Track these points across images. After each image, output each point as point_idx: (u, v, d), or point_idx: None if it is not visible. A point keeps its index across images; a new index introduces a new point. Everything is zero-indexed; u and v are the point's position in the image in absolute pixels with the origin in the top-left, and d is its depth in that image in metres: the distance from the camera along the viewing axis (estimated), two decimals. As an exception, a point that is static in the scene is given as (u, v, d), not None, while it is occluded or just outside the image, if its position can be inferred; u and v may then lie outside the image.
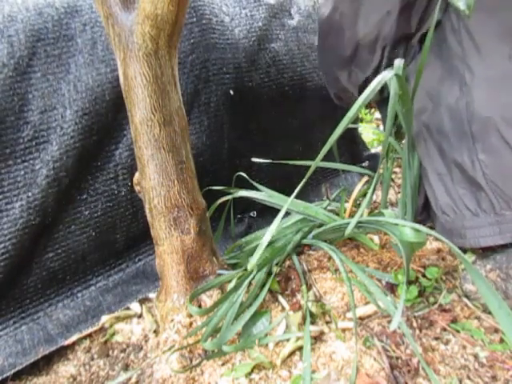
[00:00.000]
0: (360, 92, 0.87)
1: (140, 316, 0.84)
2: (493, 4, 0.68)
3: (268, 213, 1.12)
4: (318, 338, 0.69)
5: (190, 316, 0.74)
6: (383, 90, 0.90)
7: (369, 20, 0.82)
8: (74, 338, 0.80)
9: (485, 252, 0.74)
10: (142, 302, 0.88)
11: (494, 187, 0.68)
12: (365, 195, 1.02)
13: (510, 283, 0.68)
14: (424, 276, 0.77)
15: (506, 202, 0.68)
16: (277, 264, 0.83)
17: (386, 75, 0.67)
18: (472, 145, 0.70)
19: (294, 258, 0.86)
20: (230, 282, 0.77)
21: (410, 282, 0.75)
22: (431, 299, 0.73)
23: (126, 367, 0.73)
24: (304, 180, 0.66)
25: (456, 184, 0.74)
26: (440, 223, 0.78)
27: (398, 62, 0.71)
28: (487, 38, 0.69)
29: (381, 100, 0.95)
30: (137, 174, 0.78)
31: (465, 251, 0.77)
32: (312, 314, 0.72)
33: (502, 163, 0.67)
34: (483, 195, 0.70)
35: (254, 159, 0.94)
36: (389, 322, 0.69)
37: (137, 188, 0.80)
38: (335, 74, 0.96)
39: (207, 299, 0.76)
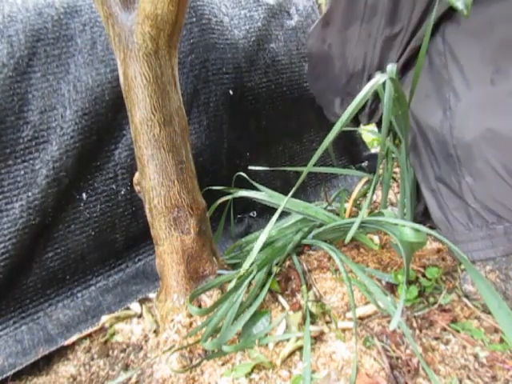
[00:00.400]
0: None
1: (140, 316, 0.84)
2: (476, 28, 0.69)
3: (268, 213, 1.12)
4: (318, 338, 0.69)
5: (190, 316, 0.74)
6: (374, 112, 0.92)
7: (354, 53, 0.86)
8: (74, 338, 0.80)
9: None
10: (142, 301, 0.88)
11: (484, 205, 0.69)
12: (365, 195, 1.02)
13: (509, 284, 0.68)
14: (424, 276, 0.77)
15: (497, 216, 0.68)
16: (277, 264, 0.83)
17: (379, 79, 0.68)
18: (458, 168, 0.72)
19: (294, 257, 0.86)
20: (230, 282, 0.77)
21: (409, 282, 0.75)
22: (431, 299, 0.73)
23: (126, 367, 0.73)
24: (298, 182, 0.66)
25: (446, 200, 0.75)
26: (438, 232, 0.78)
27: (391, 67, 0.72)
28: (471, 62, 0.70)
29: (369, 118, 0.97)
30: (137, 174, 0.78)
31: None
32: (312, 314, 0.72)
33: (488, 186, 0.68)
34: (473, 212, 0.71)
35: (251, 167, 0.95)
36: (389, 321, 0.69)
37: (137, 188, 0.80)
38: (328, 99, 1.00)
39: (207, 299, 0.76)
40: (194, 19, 0.98)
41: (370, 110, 0.93)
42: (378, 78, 0.68)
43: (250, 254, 0.64)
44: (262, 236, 0.64)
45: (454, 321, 0.69)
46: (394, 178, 1.17)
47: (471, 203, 0.71)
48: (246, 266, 0.64)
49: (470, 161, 0.70)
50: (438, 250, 0.85)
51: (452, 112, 0.71)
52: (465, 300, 0.73)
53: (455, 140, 0.71)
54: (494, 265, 0.71)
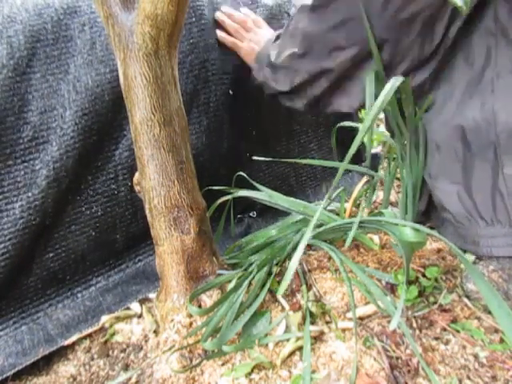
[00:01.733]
0: None
1: (140, 316, 0.84)
2: None
3: (268, 213, 1.12)
4: (318, 338, 0.69)
5: (190, 316, 0.74)
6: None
7: None
8: (74, 338, 0.80)
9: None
10: (142, 302, 0.88)
11: None
12: (365, 195, 1.02)
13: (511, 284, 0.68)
14: (424, 276, 0.77)
15: None
16: (277, 264, 0.83)
17: (395, 81, 0.66)
18: (498, 157, 0.68)
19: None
20: (230, 282, 0.77)
21: (410, 282, 0.75)
22: (431, 299, 0.73)
23: (126, 367, 0.73)
24: (330, 190, 0.64)
25: (474, 193, 0.72)
26: (453, 228, 0.77)
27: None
28: None
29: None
30: (137, 174, 0.78)
31: (464, 251, 0.77)
32: (312, 314, 0.72)
33: None
34: (501, 206, 0.68)
35: (255, 157, 0.94)
36: (389, 322, 0.69)
37: (137, 188, 0.80)
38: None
39: (207, 299, 0.76)
40: (194, 19, 0.99)
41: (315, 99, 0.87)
42: (396, 80, 0.66)
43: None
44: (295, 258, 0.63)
45: (454, 321, 0.69)
46: (398, 178, 1.17)
47: (505, 197, 0.67)
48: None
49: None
50: (439, 250, 0.85)
51: (495, 95, 0.66)
52: (465, 300, 0.73)
53: (499, 126, 0.66)
54: (497, 265, 0.70)
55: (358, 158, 1.35)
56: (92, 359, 0.77)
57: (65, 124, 0.85)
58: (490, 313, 0.69)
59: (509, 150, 0.66)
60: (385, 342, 0.66)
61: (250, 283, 0.76)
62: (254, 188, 0.96)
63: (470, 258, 0.76)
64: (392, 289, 0.76)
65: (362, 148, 1.38)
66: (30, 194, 0.83)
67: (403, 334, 0.66)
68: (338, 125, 1.00)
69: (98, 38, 0.89)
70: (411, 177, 0.81)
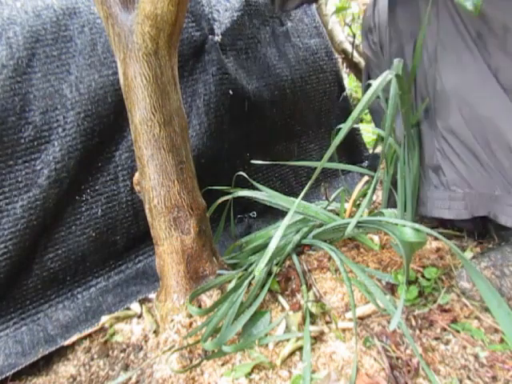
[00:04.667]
0: None
1: (140, 316, 0.84)
2: None
3: (268, 213, 1.12)
4: (318, 338, 0.69)
5: (190, 316, 0.74)
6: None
7: None
8: (74, 338, 0.80)
9: (481, 250, 0.76)
10: (141, 302, 0.88)
11: (450, 164, 0.74)
12: (365, 195, 1.02)
13: (504, 280, 0.68)
14: (423, 276, 0.77)
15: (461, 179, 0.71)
16: (277, 264, 0.83)
17: (387, 75, 0.67)
18: (436, 121, 0.74)
19: (294, 257, 0.86)
20: (230, 282, 0.77)
21: (409, 282, 0.75)
22: (431, 299, 0.73)
23: (126, 367, 0.73)
24: (311, 181, 0.65)
25: (426, 157, 0.79)
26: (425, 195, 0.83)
27: (397, 62, 0.71)
28: None
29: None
30: (137, 174, 0.78)
31: (464, 250, 0.77)
32: (312, 314, 0.72)
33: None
34: (441, 170, 0.75)
35: (254, 161, 0.94)
36: (389, 322, 0.69)
37: (137, 188, 0.80)
38: None
39: (207, 299, 0.76)
40: (194, 24, 0.99)
41: None
42: (386, 75, 0.67)
43: (265, 254, 0.64)
44: (275, 239, 0.64)
45: (454, 321, 0.69)
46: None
47: (442, 161, 0.75)
48: (260, 267, 0.63)
49: (444, 111, 0.74)
50: (437, 249, 0.85)
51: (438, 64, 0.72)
52: (464, 300, 0.73)
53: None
54: (488, 261, 0.71)
55: (357, 158, 1.35)
56: (92, 359, 0.77)
57: (67, 125, 0.85)
58: (487, 309, 0.69)
59: (440, 115, 0.73)
60: (385, 341, 0.66)
61: (249, 283, 0.76)
62: (254, 188, 0.96)
63: (469, 255, 0.76)
64: (392, 289, 0.76)
65: (362, 148, 1.38)
66: (31, 194, 0.83)
67: (403, 333, 0.66)
68: (339, 126, 1.00)
69: (98, 40, 0.89)
70: (408, 175, 0.81)
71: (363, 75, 1.17)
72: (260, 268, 0.63)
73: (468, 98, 0.69)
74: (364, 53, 1.10)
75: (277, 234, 0.64)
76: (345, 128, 0.64)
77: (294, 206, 0.66)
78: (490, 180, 0.70)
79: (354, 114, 0.64)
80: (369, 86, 0.66)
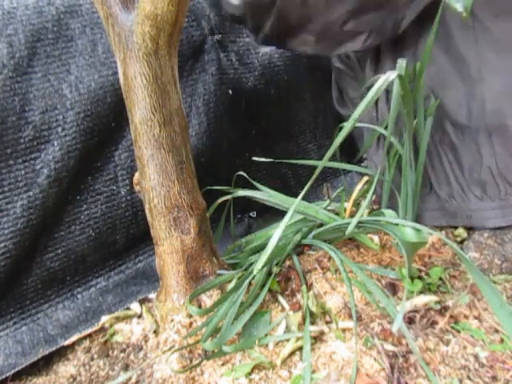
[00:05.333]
0: None
1: (140, 316, 0.84)
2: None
3: (268, 213, 1.12)
4: (317, 338, 0.69)
5: (190, 316, 0.74)
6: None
7: None
8: (74, 338, 0.80)
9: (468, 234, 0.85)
10: (141, 302, 0.87)
11: (503, 176, 0.77)
12: (365, 195, 1.02)
13: (505, 246, 0.78)
14: (426, 274, 0.77)
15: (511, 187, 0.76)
16: (277, 264, 0.83)
17: (389, 75, 0.67)
18: (488, 137, 0.77)
19: (294, 257, 0.85)
20: (230, 282, 0.77)
21: (412, 279, 0.75)
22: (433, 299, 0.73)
23: (126, 367, 0.73)
24: (312, 180, 0.65)
25: (466, 172, 0.82)
26: (442, 207, 0.87)
27: (401, 62, 0.71)
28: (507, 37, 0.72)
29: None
30: (137, 174, 0.78)
31: (455, 228, 0.87)
32: (312, 314, 0.72)
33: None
34: (490, 183, 0.79)
35: (255, 158, 0.94)
36: (389, 322, 0.69)
37: (137, 188, 0.80)
38: None
39: (207, 299, 0.76)
40: (195, 23, 0.99)
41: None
42: (389, 75, 0.67)
43: (262, 254, 0.64)
44: (275, 237, 0.64)
45: (455, 321, 0.69)
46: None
47: (494, 173, 0.78)
48: (259, 265, 0.63)
49: (500, 129, 0.75)
50: (432, 244, 0.85)
51: (480, 79, 0.74)
52: (467, 299, 0.73)
53: (483, 107, 0.75)
54: (489, 232, 0.82)
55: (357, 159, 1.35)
56: (92, 359, 0.77)
57: (66, 124, 0.85)
58: (486, 308, 0.69)
59: (496, 132, 0.76)
60: (385, 341, 0.66)
61: (249, 283, 0.76)
62: (254, 188, 0.96)
63: (464, 233, 0.85)
64: (394, 289, 0.76)
65: (361, 148, 1.38)
66: (30, 194, 0.83)
67: (403, 334, 0.65)
68: (340, 125, 1.00)
69: (99, 40, 0.89)
70: (410, 175, 0.81)
71: (333, 87, 1.21)
72: (258, 267, 0.63)
73: None
74: (334, 66, 1.14)
75: (276, 233, 0.64)
76: (346, 127, 0.64)
77: (293, 205, 0.66)
78: None
79: (355, 113, 0.63)
80: (369, 88, 0.65)
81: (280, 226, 0.65)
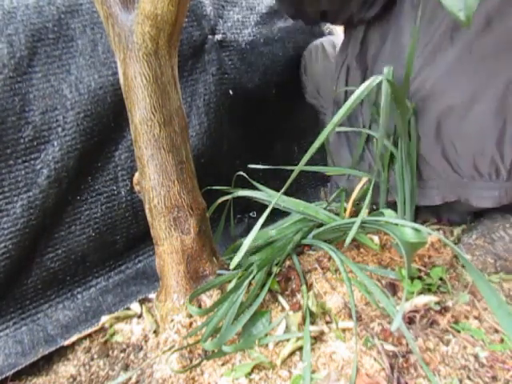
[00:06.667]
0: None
1: (140, 316, 0.84)
2: None
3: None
4: (318, 338, 0.69)
5: (190, 316, 0.74)
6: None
7: None
8: (74, 338, 0.80)
9: (469, 226, 0.87)
10: (141, 302, 0.87)
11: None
12: (364, 196, 1.02)
13: (495, 245, 0.78)
14: (426, 274, 0.77)
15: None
16: (277, 264, 0.83)
17: (374, 79, 0.68)
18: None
19: (294, 257, 0.86)
20: (230, 282, 0.77)
21: (412, 279, 0.75)
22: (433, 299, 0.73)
23: (126, 367, 0.73)
24: (288, 182, 0.66)
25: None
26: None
27: (388, 69, 0.72)
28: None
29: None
30: (136, 174, 0.78)
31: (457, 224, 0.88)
32: (312, 314, 0.72)
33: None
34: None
35: (251, 165, 0.95)
36: (389, 322, 0.69)
37: (137, 188, 0.80)
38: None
39: (207, 299, 0.76)
40: (195, 23, 0.99)
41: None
42: (373, 79, 0.68)
43: (239, 250, 0.65)
44: (251, 235, 0.66)
45: (455, 321, 0.69)
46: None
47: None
48: (235, 260, 0.64)
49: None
50: (432, 244, 0.85)
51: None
52: (467, 299, 0.73)
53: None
54: (477, 233, 0.82)
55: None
56: (92, 359, 0.77)
57: (66, 125, 0.85)
58: (485, 307, 0.69)
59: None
60: (385, 341, 0.66)
61: (249, 283, 0.76)
62: (254, 188, 0.96)
63: (458, 233, 0.85)
64: (394, 289, 0.76)
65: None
66: (30, 194, 0.83)
67: (403, 334, 0.66)
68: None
69: (99, 40, 0.89)
70: (407, 175, 0.81)
71: (320, 122, 1.22)
72: (234, 262, 0.64)
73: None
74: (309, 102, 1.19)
75: (255, 228, 0.65)
76: (324, 132, 0.64)
77: (275, 199, 0.66)
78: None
79: (335, 119, 0.64)
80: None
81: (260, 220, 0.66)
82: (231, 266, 0.65)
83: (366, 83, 0.67)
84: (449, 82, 0.73)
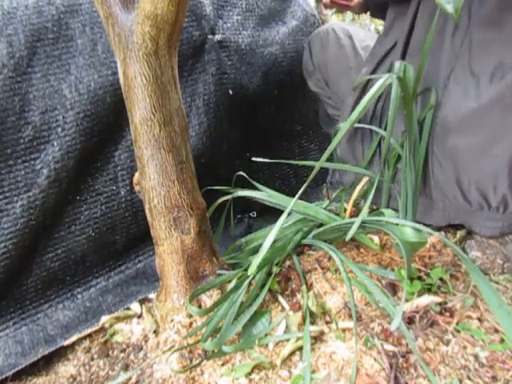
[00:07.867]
0: None
1: (140, 316, 0.84)
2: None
3: (268, 213, 1.12)
4: (317, 338, 0.69)
5: (190, 316, 0.74)
6: None
7: None
8: (74, 338, 0.80)
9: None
10: (141, 302, 0.87)
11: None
12: (364, 196, 1.02)
13: (507, 246, 0.78)
14: (426, 275, 0.77)
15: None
16: (277, 264, 0.83)
17: (387, 78, 0.67)
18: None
19: (294, 258, 0.85)
20: (230, 282, 0.77)
21: (412, 279, 0.75)
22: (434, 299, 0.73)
23: (126, 367, 0.73)
24: (308, 181, 0.66)
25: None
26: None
27: (399, 65, 0.71)
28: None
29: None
30: (136, 174, 0.78)
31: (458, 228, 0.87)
32: (312, 314, 0.72)
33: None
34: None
35: (254, 158, 0.94)
36: (389, 322, 0.69)
37: (137, 188, 0.80)
38: None
39: (207, 299, 0.76)
40: (195, 23, 0.99)
41: None
42: (387, 77, 0.68)
43: (258, 253, 0.64)
44: (270, 237, 0.64)
45: (455, 321, 0.69)
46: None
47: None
48: (254, 265, 0.63)
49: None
50: (433, 245, 0.85)
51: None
52: (466, 300, 0.73)
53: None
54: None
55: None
56: (92, 359, 0.77)
57: (66, 125, 0.85)
58: (487, 309, 0.69)
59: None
60: (385, 341, 0.66)
61: (250, 283, 0.76)
62: (254, 188, 0.96)
63: (462, 234, 0.84)
64: (394, 289, 0.76)
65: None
66: (30, 194, 0.83)
67: (403, 334, 0.66)
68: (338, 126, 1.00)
69: (99, 40, 0.89)
70: (410, 176, 0.81)
71: (320, 109, 1.21)
72: (253, 268, 0.63)
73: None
74: (313, 90, 1.17)
75: (271, 234, 0.64)
76: (343, 129, 0.64)
77: (290, 204, 0.66)
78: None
79: (353, 116, 0.64)
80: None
81: (276, 225, 0.65)
82: (249, 272, 0.65)
83: (380, 81, 0.67)
84: (479, 119, 0.74)
